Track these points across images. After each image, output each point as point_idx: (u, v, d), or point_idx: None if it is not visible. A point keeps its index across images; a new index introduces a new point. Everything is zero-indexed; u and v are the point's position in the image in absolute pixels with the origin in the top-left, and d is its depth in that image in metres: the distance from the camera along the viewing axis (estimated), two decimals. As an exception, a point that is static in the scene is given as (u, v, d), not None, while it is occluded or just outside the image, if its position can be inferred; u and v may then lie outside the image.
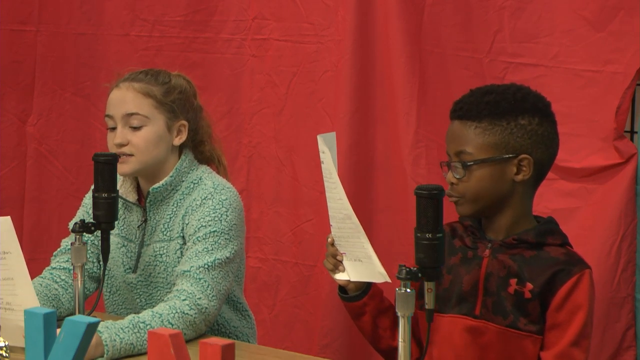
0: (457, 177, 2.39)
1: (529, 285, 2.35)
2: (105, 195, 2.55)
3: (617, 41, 2.90)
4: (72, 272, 2.53)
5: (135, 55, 3.56)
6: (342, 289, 2.54)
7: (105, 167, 2.56)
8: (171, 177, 2.69)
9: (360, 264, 2.40)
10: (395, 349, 2.43)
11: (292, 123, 3.39)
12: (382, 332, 2.54)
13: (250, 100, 3.46)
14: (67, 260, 2.68)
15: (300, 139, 3.37)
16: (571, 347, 2.34)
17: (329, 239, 2.45)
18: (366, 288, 2.51)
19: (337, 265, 2.46)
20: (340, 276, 2.48)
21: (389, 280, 2.34)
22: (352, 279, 2.46)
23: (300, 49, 3.36)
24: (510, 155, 2.37)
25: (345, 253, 2.43)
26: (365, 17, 3.20)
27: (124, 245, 2.75)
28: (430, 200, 2.17)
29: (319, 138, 2.35)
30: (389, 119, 3.20)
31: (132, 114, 2.66)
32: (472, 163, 2.37)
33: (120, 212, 2.75)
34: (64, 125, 3.74)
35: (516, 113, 2.38)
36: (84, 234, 2.55)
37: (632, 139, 2.99)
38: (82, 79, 3.71)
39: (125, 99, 2.68)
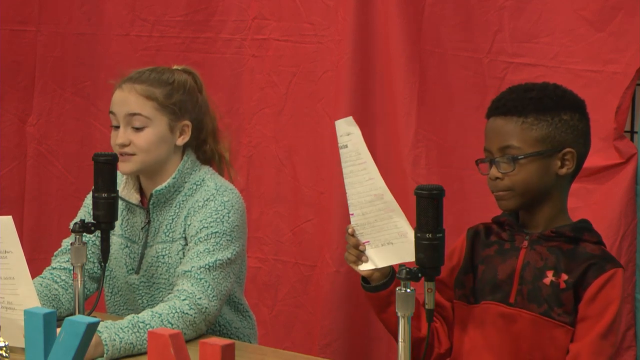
0: (504, 172, 2.42)
1: (564, 276, 2.39)
2: (105, 195, 2.55)
3: (617, 41, 2.90)
4: (72, 272, 2.53)
5: (135, 55, 3.57)
6: (365, 281, 2.52)
7: (105, 167, 2.56)
8: (174, 178, 2.69)
9: (390, 247, 2.38)
10: (421, 340, 2.45)
11: (292, 123, 3.39)
12: None
13: (250, 100, 3.46)
14: (68, 261, 2.68)
15: (300, 139, 3.37)
16: (600, 339, 2.36)
17: (349, 230, 2.43)
18: (391, 277, 2.49)
19: (360, 257, 2.43)
20: (365, 267, 2.44)
21: None
22: (380, 266, 2.43)
23: (300, 49, 3.36)
24: (556, 150, 2.42)
25: (368, 241, 2.42)
26: (365, 17, 3.20)
27: (127, 247, 2.75)
28: (430, 200, 2.17)
29: (340, 122, 2.36)
30: (389, 119, 3.20)
31: (134, 114, 2.67)
32: (522, 157, 2.40)
33: (124, 213, 2.75)
34: (64, 125, 3.74)
35: (559, 109, 2.44)
36: (85, 234, 2.55)
37: (632, 139, 2.99)
38: (82, 79, 3.71)
39: (127, 100, 2.68)
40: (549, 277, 2.40)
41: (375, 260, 2.43)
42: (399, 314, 2.16)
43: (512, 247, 2.47)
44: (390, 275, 2.49)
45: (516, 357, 2.42)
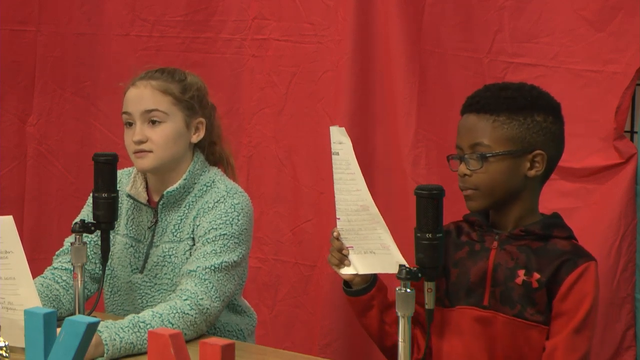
0: (472, 169, 2.41)
1: (536, 275, 2.39)
2: (105, 195, 2.55)
3: (617, 41, 2.90)
4: (73, 272, 2.53)
5: (135, 55, 3.57)
6: (347, 285, 2.53)
7: (105, 167, 2.56)
8: (185, 179, 2.69)
9: (373, 256, 2.38)
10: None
11: (292, 123, 3.39)
12: (389, 327, 2.54)
13: (250, 100, 3.46)
14: (69, 261, 2.67)
15: (300, 139, 3.37)
16: (574, 335, 2.36)
17: (334, 233, 2.43)
18: (373, 281, 2.51)
19: (343, 260, 2.45)
20: (347, 270, 2.46)
21: None
22: (361, 272, 2.44)
23: (300, 49, 3.36)
24: (526, 150, 2.41)
25: (352, 247, 2.42)
26: (365, 17, 3.20)
27: (132, 246, 2.75)
28: (430, 200, 2.18)
29: (334, 129, 2.35)
30: (389, 119, 3.20)
31: (151, 110, 2.66)
32: (490, 155, 2.40)
33: (129, 212, 2.75)
34: (64, 125, 3.74)
35: (532, 110, 2.43)
36: (87, 235, 2.55)
37: (632, 139, 2.99)
38: (82, 79, 3.71)
39: (143, 96, 2.68)
40: (521, 276, 2.40)
41: (357, 266, 2.44)
42: (399, 314, 2.17)
43: (482, 248, 2.46)
44: (371, 281, 2.50)
45: (493, 359, 2.42)
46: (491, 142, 2.41)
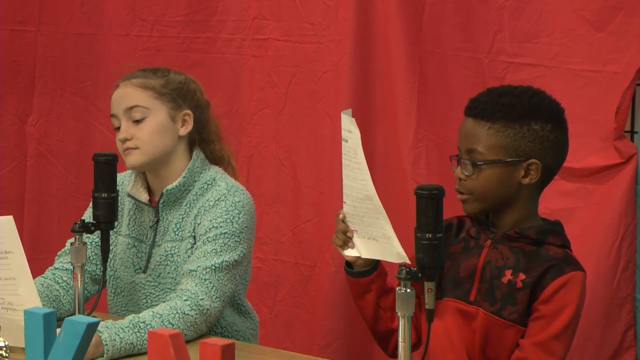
0: (466, 174, 2.43)
1: (522, 276, 2.39)
2: (105, 195, 2.55)
3: (617, 41, 2.90)
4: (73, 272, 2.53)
5: (135, 55, 3.57)
6: (349, 266, 2.55)
7: (105, 167, 2.56)
8: (184, 177, 2.69)
9: (375, 243, 2.39)
10: (393, 331, 2.51)
11: (292, 123, 3.39)
12: (383, 312, 2.56)
13: (250, 100, 3.46)
14: (70, 261, 2.67)
15: (300, 139, 3.37)
16: (552, 340, 2.36)
17: (340, 215, 2.45)
18: (374, 265, 2.52)
19: (347, 242, 2.46)
20: (350, 252, 2.47)
21: (407, 261, 2.31)
22: (364, 256, 2.46)
23: (300, 49, 3.36)
24: (520, 159, 2.40)
25: (356, 230, 2.43)
26: (365, 17, 3.20)
27: (134, 246, 2.75)
28: (430, 200, 2.18)
29: (345, 115, 2.35)
30: (389, 119, 3.20)
31: (132, 107, 2.67)
32: (482, 163, 2.40)
33: (131, 212, 2.75)
34: (64, 125, 3.74)
35: (530, 118, 2.41)
36: (89, 235, 2.55)
37: (632, 139, 2.99)
38: (82, 79, 3.71)
39: (124, 95, 2.69)
40: (507, 276, 2.41)
41: (360, 249, 2.46)
42: (399, 314, 2.17)
43: (476, 245, 2.48)
44: (373, 265, 2.52)
45: (471, 352, 2.44)
46: (485, 150, 2.41)
